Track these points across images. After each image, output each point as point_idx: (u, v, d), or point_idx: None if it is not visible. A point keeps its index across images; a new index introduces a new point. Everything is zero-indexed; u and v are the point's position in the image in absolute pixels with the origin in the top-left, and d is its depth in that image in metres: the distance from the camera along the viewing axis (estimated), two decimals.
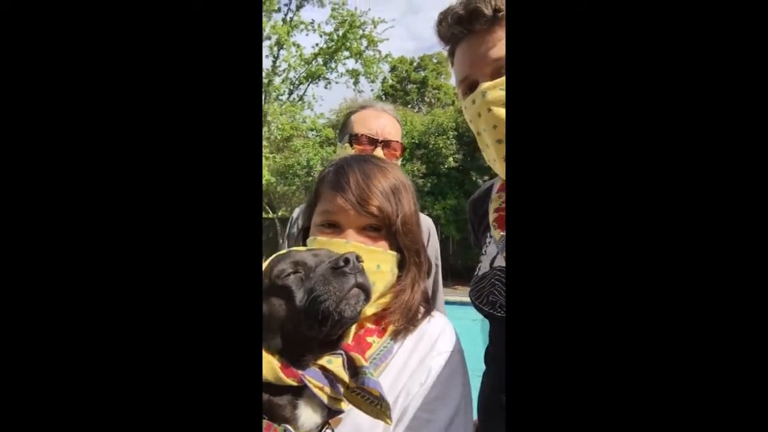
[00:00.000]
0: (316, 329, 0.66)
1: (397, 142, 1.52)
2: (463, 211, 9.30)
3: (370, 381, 0.66)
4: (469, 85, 0.86)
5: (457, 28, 0.85)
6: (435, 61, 19.57)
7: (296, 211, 1.75)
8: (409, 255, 0.82)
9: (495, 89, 0.80)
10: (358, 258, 0.67)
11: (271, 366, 0.66)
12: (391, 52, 13.17)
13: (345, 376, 0.67)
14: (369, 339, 0.78)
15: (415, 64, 19.97)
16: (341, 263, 0.66)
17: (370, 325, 0.79)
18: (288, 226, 1.79)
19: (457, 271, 9.74)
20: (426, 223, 1.49)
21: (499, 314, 0.88)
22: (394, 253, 0.81)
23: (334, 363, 0.68)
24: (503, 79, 0.79)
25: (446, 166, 10.00)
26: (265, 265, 0.74)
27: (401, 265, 0.83)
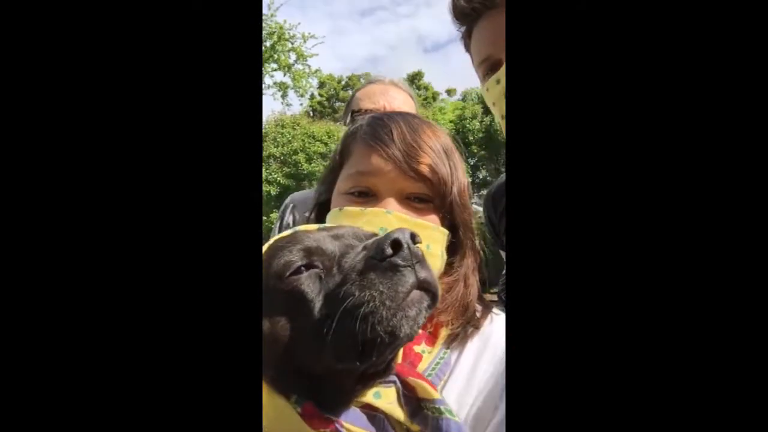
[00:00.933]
0: (354, 363, 0.42)
1: None
2: None
3: (451, 425, 0.44)
4: (491, 65, 0.80)
5: (477, 3, 0.78)
6: (363, 81, 19.93)
7: (289, 199, 1.46)
8: (465, 235, 0.62)
9: None
10: (413, 237, 0.43)
11: (286, 415, 0.44)
12: (321, 68, 13.06)
13: (402, 415, 0.46)
14: (417, 348, 0.56)
15: (343, 82, 20.12)
16: (388, 249, 0.41)
17: None
18: (279, 220, 1.45)
19: None
20: None
21: None
22: (447, 231, 0.61)
23: (385, 398, 0.46)
24: None
25: None
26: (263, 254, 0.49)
27: (452, 250, 0.62)
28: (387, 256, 0.42)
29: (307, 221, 0.71)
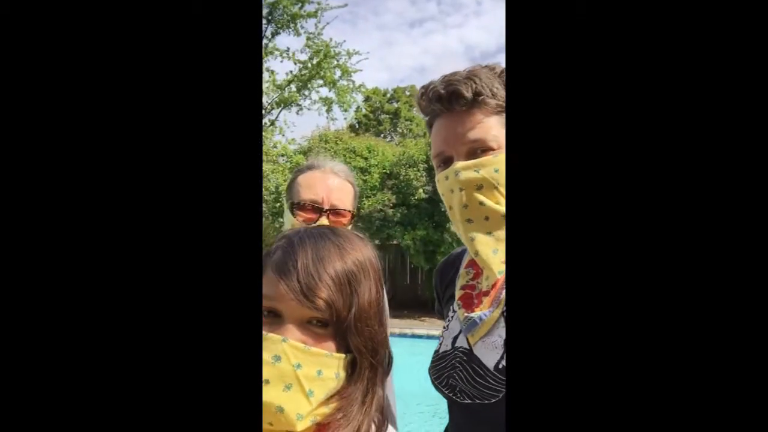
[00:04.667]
0: None
1: (347, 210, 1.31)
2: (432, 242, 9.23)
3: None
4: (444, 160, 0.84)
5: (436, 106, 0.83)
6: (408, 93, 19.76)
7: None
8: (361, 359, 0.65)
9: (468, 170, 0.79)
10: None
11: None
12: (365, 83, 13.35)
13: None
14: None
15: (388, 95, 20.17)
16: None
17: None
18: None
19: (424, 303, 9.60)
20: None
21: (459, 400, 0.78)
22: (342, 355, 0.65)
23: None
24: (477, 160, 0.79)
25: (416, 197, 9.98)
26: None
27: (353, 365, 0.66)
28: None
29: None
